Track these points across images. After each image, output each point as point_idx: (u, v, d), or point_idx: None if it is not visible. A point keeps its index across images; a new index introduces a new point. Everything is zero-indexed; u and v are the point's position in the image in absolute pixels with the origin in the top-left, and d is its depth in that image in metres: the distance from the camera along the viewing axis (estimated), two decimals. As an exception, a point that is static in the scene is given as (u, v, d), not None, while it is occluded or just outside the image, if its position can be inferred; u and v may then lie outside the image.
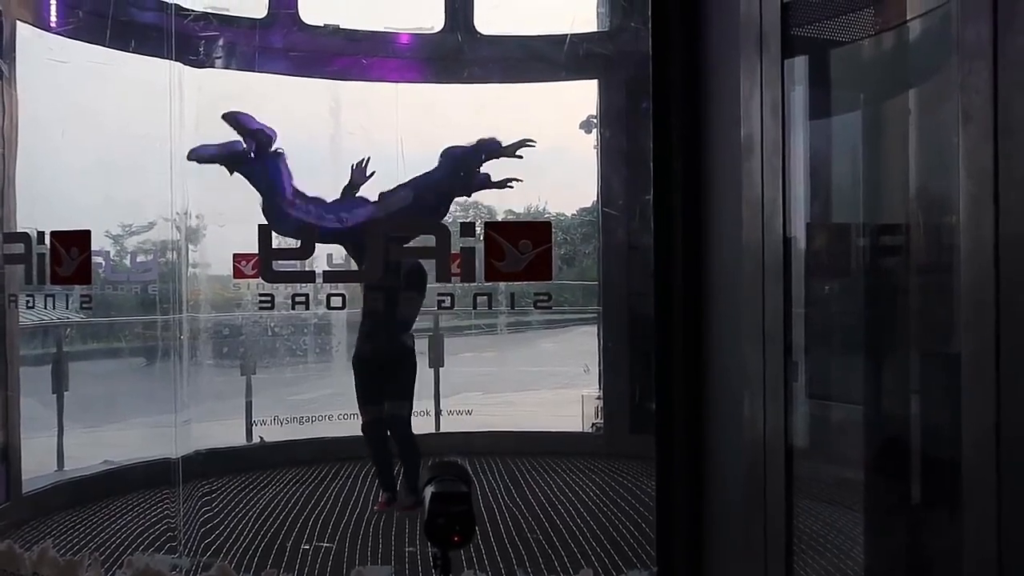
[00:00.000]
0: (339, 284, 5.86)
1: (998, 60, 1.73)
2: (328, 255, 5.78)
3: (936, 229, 2.38)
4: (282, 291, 5.46)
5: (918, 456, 2.60)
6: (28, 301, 5.27)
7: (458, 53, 7.44)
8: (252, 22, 7.04)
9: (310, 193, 5.87)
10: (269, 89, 7.16)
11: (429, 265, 4.67)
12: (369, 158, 6.03)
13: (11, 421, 5.70)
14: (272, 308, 5.42)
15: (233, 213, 6.79)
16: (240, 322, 7.80)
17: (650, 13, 2.99)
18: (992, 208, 1.74)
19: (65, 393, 6.87)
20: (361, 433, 5.97)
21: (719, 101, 2.81)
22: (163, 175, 5.70)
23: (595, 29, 7.88)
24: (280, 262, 4.88)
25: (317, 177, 7.52)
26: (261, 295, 5.45)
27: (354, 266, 5.68)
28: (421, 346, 7.90)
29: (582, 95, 7.95)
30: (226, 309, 7.65)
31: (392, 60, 7.44)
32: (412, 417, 6.10)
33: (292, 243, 5.25)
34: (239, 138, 5.68)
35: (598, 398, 7.88)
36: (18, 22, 5.79)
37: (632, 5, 7.40)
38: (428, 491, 1.99)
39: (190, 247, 6.64)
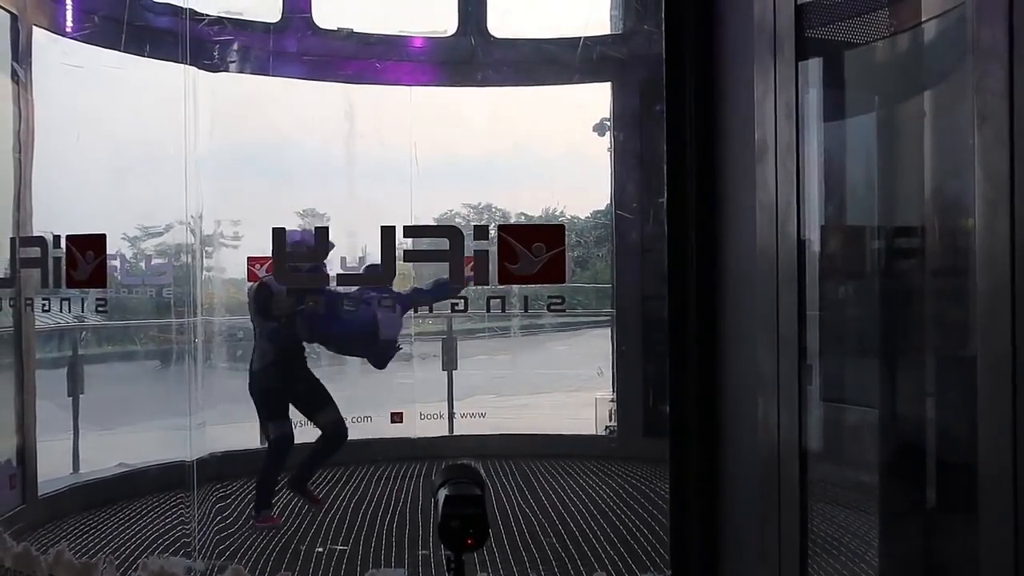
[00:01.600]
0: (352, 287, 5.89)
1: (1014, 61, 1.72)
2: (342, 258, 5.79)
3: (952, 232, 2.37)
4: (296, 294, 5.48)
5: (934, 460, 2.59)
6: (44, 304, 5.30)
7: (471, 56, 7.46)
8: (266, 26, 7.07)
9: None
10: (283, 93, 7.19)
11: (442, 268, 4.66)
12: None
13: (27, 424, 5.72)
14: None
15: (247, 216, 6.82)
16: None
17: (663, 15, 2.98)
18: (1008, 210, 1.73)
19: (80, 396, 6.90)
20: (268, 445, 5.93)
21: (733, 103, 2.80)
22: (178, 179, 5.72)
23: (608, 32, 7.89)
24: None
25: (330, 182, 7.55)
26: (275, 298, 5.45)
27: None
28: (435, 348, 7.94)
29: (596, 98, 7.95)
30: (240, 312, 7.67)
31: (405, 63, 7.46)
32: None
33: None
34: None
35: (612, 401, 7.87)
36: (34, 27, 5.82)
37: (645, 8, 7.40)
38: (442, 494, 1.99)
39: (204, 250, 6.66)
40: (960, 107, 2.00)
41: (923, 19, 2.50)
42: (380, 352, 6.16)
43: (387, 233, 4.40)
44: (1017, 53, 1.71)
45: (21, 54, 5.69)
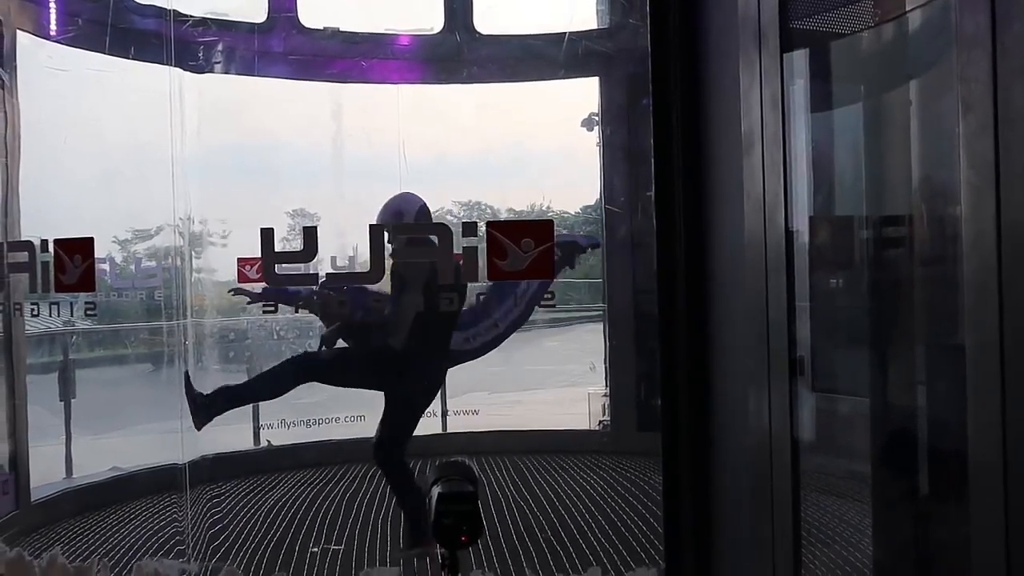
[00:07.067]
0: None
1: (997, 49, 1.72)
2: (332, 258, 5.78)
3: (939, 220, 2.38)
4: (286, 294, 5.46)
5: (925, 448, 2.59)
6: (33, 309, 5.28)
7: (458, 53, 7.45)
8: (251, 26, 7.05)
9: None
10: (269, 93, 7.18)
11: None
12: None
13: (19, 429, 5.71)
14: (276, 311, 5.41)
15: (236, 218, 6.81)
16: (245, 326, 7.80)
17: (648, 9, 2.99)
18: (994, 198, 1.73)
19: (72, 400, 6.88)
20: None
21: (719, 96, 2.80)
22: (165, 181, 5.71)
23: (594, 27, 7.88)
24: (283, 265, 4.87)
25: (318, 181, 7.54)
26: (265, 299, 5.43)
27: (358, 268, 5.67)
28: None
29: (583, 93, 7.95)
30: (231, 313, 7.65)
31: (392, 61, 7.45)
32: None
33: (296, 245, 5.25)
34: None
35: (605, 395, 7.87)
36: (18, 31, 5.80)
37: (631, 2, 7.40)
38: (435, 491, 1.99)
39: (194, 252, 6.65)
40: (945, 96, 2.00)
41: (907, 8, 2.51)
42: None
43: (376, 232, 4.40)
44: (1000, 40, 1.72)
45: (6, 58, 5.67)
